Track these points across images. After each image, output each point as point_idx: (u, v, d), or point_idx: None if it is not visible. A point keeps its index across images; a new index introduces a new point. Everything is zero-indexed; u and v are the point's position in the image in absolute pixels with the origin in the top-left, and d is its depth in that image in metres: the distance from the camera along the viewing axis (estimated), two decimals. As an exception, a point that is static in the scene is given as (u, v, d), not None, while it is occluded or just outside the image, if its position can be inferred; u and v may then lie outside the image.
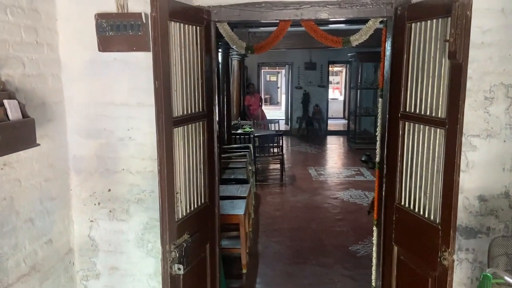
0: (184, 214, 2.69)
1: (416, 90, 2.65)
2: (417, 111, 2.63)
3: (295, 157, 11.64)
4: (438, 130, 2.46)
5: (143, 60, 2.77)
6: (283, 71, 20.99)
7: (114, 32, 2.68)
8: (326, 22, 4.23)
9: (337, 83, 24.14)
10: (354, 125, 12.52)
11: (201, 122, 2.84)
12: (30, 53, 2.50)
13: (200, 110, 2.84)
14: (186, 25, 2.61)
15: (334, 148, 13.07)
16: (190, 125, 2.70)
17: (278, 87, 24.89)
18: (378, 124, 3.20)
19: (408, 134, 2.74)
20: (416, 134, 2.66)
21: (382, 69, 3.11)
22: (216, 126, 3.03)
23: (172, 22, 2.45)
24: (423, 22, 2.55)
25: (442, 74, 2.42)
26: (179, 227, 2.58)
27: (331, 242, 5.83)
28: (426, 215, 2.59)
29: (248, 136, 9.06)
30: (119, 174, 2.99)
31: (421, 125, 2.60)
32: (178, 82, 2.55)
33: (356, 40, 3.07)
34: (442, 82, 2.43)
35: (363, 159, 10.43)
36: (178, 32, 2.53)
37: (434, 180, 2.56)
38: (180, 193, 2.65)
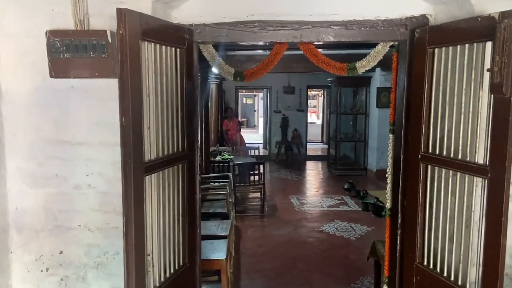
0: (157, 284, 2.11)
1: (442, 127, 2.20)
2: (444, 153, 2.18)
3: (275, 184, 11.14)
4: (474, 178, 2.01)
5: (108, 88, 2.21)
6: (260, 93, 20.70)
7: (70, 53, 2.13)
8: (325, 46, 3.77)
9: (314, 106, 24.06)
10: (334, 150, 12.22)
11: (180, 165, 2.30)
12: (-43, 79, 1.92)
13: (180, 150, 2.30)
14: (163, 46, 2.10)
15: (315, 174, 12.67)
16: (166, 169, 2.16)
17: (255, 110, 24.61)
18: (388, 163, 2.74)
19: (432, 179, 2.28)
20: (443, 181, 2.20)
21: (393, 100, 2.67)
22: (198, 168, 2.49)
23: (146, 42, 1.93)
24: (450, 47, 2.12)
25: (479, 110, 1.99)
26: (152, 302, 2.01)
27: (321, 285, 5.27)
28: (460, 282, 2.11)
29: (227, 164, 8.53)
30: (74, 232, 2.38)
31: (450, 171, 2.15)
32: (152, 116, 2.02)
33: (362, 66, 2.63)
34: (478, 120, 1.99)
35: (346, 187, 10.05)
36: (153, 54, 2.02)
37: (466, 237, 2.10)
38: (152, 255, 2.08)
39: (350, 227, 7.65)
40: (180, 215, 2.31)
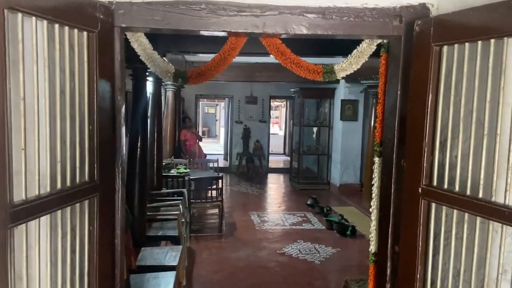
0: None
1: (453, 153, 1.62)
2: (456, 188, 1.60)
3: (235, 199, 10.50)
4: (504, 227, 1.43)
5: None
6: (222, 103, 20.17)
7: None
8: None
9: (276, 117, 23.77)
10: (297, 163, 11.80)
11: (87, 201, 1.57)
12: None
13: (87, 178, 1.58)
14: (57, 25, 1.39)
15: (277, 188, 12.15)
16: (60, 211, 1.43)
17: (217, 120, 24.10)
18: (373, 193, 2.14)
19: (437, 222, 1.69)
20: (454, 225, 1.61)
21: (381, 114, 2.08)
22: (119, 204, 1.77)
23: (20, 15, 1.22)
24: (466, 44, 1.55)
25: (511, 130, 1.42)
26: None
27: (284, 320, 4.65)
28: None
29: (182, 179, 7.79)
30: None
31: (465, 213, 1.56)
32: (31, 130, 1.30)
33: (342, 70, 2.03)
34: (510, 144, 1.42)
35: (309, 202, 9.58)
36: (36, 35, 1.30)
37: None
38: None
39: (314, 248, 7.13)
40: (86, 274, 1.58)
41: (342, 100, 10.33)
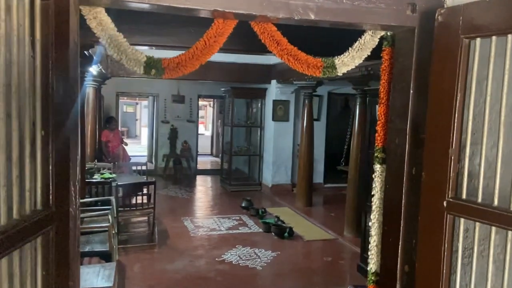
0: None
1: (489, 160, 1.42)
2: (495, 201, 1.40)
3: (165, 204, 9.89)
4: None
5: None
6: (143, 101, 19.19)
7: None
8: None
9: (202, 117, 23.36)
10: (227, 164, 11.54)
11: (39, 239, 1.10)
12: None
13: (40, 206, 1.11)
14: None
15: (207, 191, 11.76)
16: (3, 260, 0.96)
17: (137, 119, 22.95)
18: (374, 205, 1.89)
19: (467, 240, 1.49)
20: (492, 245, 1.42)
21: (383, 117, 1.83)
22: (75, 234, 1.30)
23: None
24: (509, 36, 1.36)
25: None
26: None
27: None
28: None
29: (108, 185, 7.05)
30: None
31: (509, 231, 1.36)
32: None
33: (344, 64, 1.75)
34: None
35: (243, 205, 9.35)
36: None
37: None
38: None
39: (254, 253, 6.87)
40: None
41: (274, 101, 10.29)
